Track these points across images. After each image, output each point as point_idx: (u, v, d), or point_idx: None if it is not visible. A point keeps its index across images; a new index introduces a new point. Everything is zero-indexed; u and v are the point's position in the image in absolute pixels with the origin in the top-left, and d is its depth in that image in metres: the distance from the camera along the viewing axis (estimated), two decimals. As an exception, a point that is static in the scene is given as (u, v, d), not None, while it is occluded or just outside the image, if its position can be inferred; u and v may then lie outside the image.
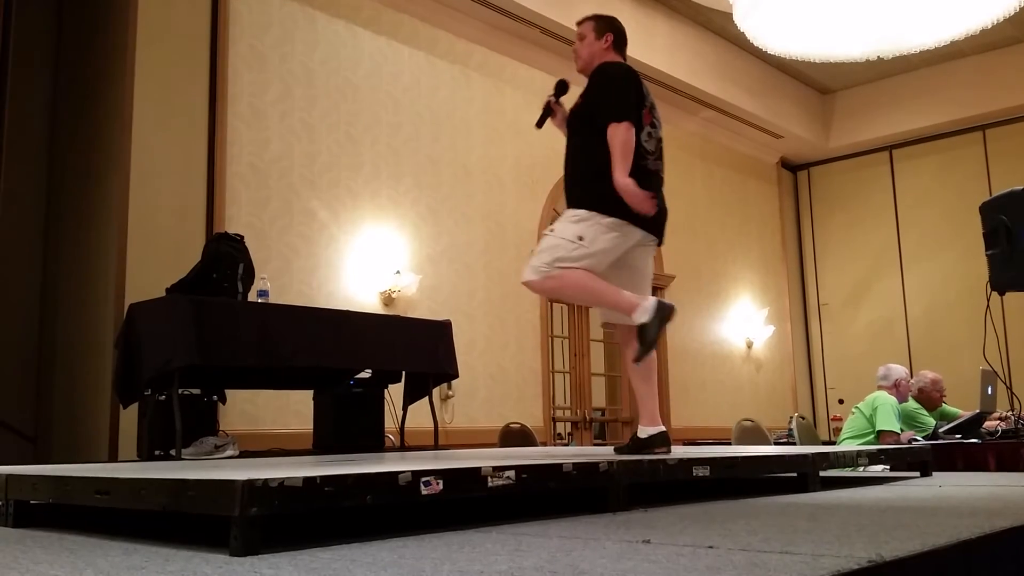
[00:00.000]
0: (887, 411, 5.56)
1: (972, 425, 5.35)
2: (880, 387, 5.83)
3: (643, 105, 3.30)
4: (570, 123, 3.47)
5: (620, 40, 3.55)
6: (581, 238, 3.15)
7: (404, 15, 6.95)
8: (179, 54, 5.68)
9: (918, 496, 2.73)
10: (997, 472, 4.62)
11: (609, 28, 3.53)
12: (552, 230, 3.26)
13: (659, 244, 3.40)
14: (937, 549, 1.51)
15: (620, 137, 3.20)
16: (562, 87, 3.65)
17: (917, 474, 3.72)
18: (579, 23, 3.62)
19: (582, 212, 3.20)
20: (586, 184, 3.27)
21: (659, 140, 3.37)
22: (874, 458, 3.59)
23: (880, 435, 5.52)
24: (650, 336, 3.11)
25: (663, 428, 3.28)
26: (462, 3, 7.13)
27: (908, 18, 6.96)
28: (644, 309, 3.10)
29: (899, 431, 5.52)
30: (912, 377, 6.09)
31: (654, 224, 3.28)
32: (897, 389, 5.80)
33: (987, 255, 4.40)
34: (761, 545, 1.60)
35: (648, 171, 3.26)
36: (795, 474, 3.05)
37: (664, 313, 3.10)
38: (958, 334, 9.21)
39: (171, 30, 5.67)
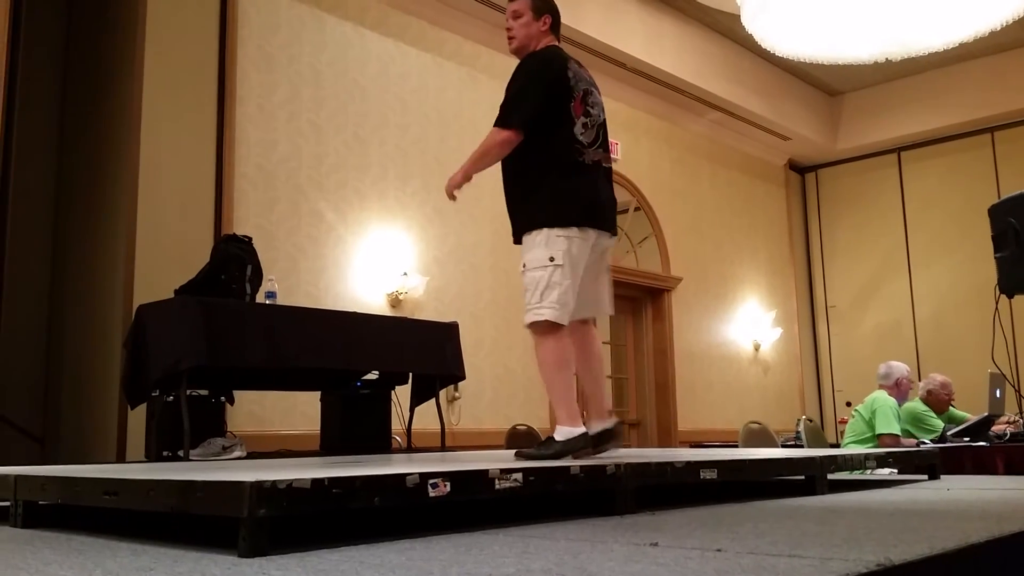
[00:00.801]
0: (885, 413, 5.51)
1: (980, 428, 5.33)
2: (881, 386, 5.77)
3: (571, 96, 3.13)
4: None
5: (557, 22, 3.35)
6: (552, 259, 3.03)
7: (412, 17, 6.96)
8: (188, 55, 5.70)
9: (926, 499, 2.72)
10: (1006, 475, 4.61)
11: (547, 8, 3.31)
12: (524, 266, 3.12)
13: (613, 235, 3.27)
14: (946, 553, 1.51)
15: (491, 141, 3.14)
16: None
17: (925, 477, 3.71)
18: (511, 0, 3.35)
19: (539, 234, 3.07)
20: (523, 202, 3.16)
21: (599, 127, 3.20)
22: (882, 461, 3.58)
23: (879, 438, 5.48)
24: (545, 453, 3.01)
25: (582, 429, 3.12)
26: (469, 5, 7.13)
27: (917, 20, 6.94)
28: (563, 432, 3.02)
29: (898, 433, 5.46)
30: (915, 377, 6.05)
31: (603, 219, 3.18)
32: (898, 388, 5.74)
33: (996, 258, 4.39)
34: (769, 548, 1.60)
35: (585, 166, 3.12)
36: (803, 477, 3.04)
37: (572, 450, 2.99)
38: (966, 337, 9.18)
39: (180, 31, 5.69)
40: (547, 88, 3.11)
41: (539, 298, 3.03)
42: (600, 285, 3.29)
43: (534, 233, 3.09)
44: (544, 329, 3.07)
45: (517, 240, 3.20)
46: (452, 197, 3.36)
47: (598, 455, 3.10)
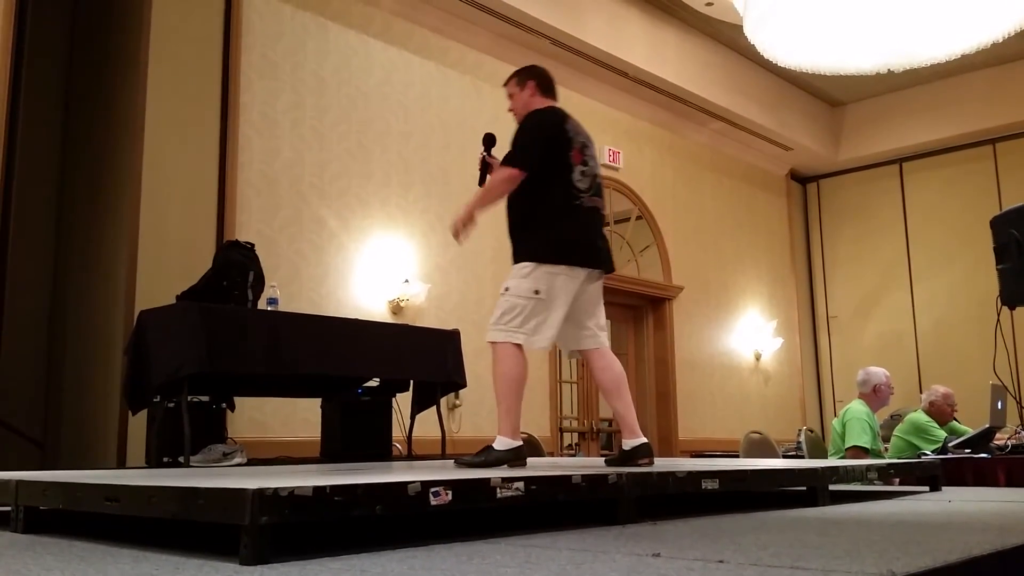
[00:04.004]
0: (854, 426, 5.46)
1: (982, 440, 5.32)
2: (860, 394, 5.73)
3: (571, 146, 3.41)
4: None
5: (543, 83, 3.62)
6: (537, 292, 3.27)
7: (415, 26, 6.97)
8: (191, 63, 5.71)
9: (928, 511, 2.72)
10: (1007, 487, 4.60)
11: (529, 76, 3.63)
12: (507, 289, 3.35)
13: (609, 272, 3.52)
14: (949, 565, 1.51)
15: (499, 177, 3.42)
16: (490, 140, 3.71)
17: (927, 488, 3.70)
18: (504, 85, 3.72)
19: (529, 265, 3.31)
20: (523, 236, 3.40)
21: (594, 177, 3.47)
22: (884, 473, 3.57)
23: (846, 451, 5.43)
24: (486, 460, 3.22)
25: (645, 440, 3.43)
26: (473, 14, 7.15)
27: (919, 31, 6.95)
28: (503, 443, 3.27)
29: (866, 446, 5.39)
30: (916, 386, 6.03)
31: (596, 260, 3.42)
32: (876, 394, 5.68)
33: (998, 269, 4.38)
34: (771, 560, 1.60)
35: (583, 208, 3.38)
36: (804, 488, 3.04)
37: (507, 460, 3.22)
38: (968, 348, 9.17)
39: (184, 39, 5.71)
40: (547, 136, 3.41)
41: (519, 323, 3.30)
42: (594, 319, 3.53)
43: (527, 264, 3.33)
44: (510, 348, 3.33)
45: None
46: (459, 238, 3.56)
47: (634, 466, 3.26)
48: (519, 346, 3.33)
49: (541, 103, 3.56)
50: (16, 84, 5.10)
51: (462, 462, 3.33)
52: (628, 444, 3.44)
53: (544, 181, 3.36)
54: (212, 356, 4.13)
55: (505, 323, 3.32)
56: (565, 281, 3.31)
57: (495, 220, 7.36)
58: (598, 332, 3.54)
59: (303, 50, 6.25)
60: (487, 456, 3.25)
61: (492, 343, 3.38)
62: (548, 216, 3.34)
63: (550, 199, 3.35)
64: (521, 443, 3.31)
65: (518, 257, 3.38)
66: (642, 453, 3.39)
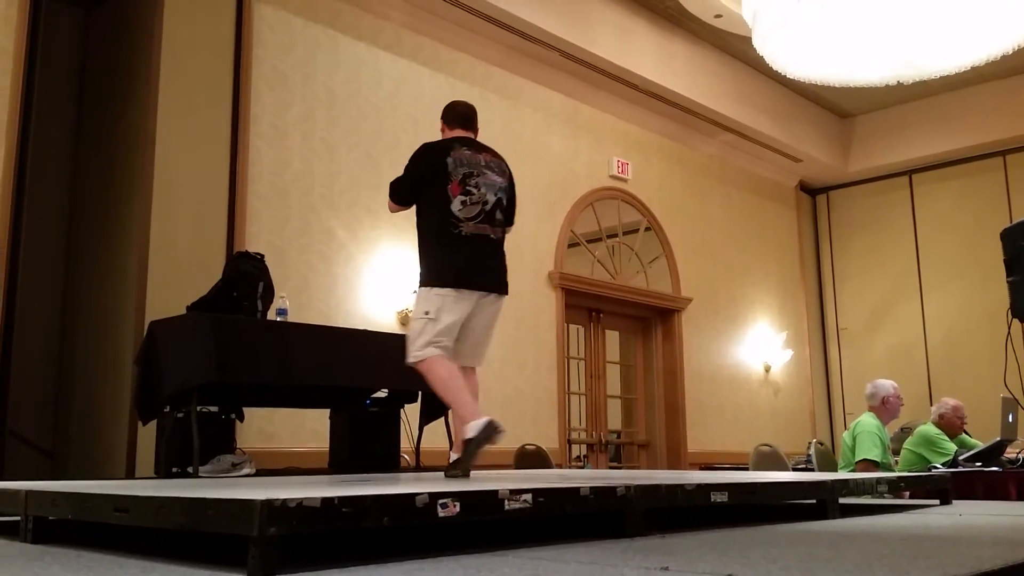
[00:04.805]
0: (864, 439, 5.43)
1: (992, 453, 5.28)
2: (869, 407, 5.71)
3: (449, 179, 3.69)
4: None
5: (449, 116, 4.03)
6: (427, 312, 3.64)
7: (425, 38, 7.00)
8: (203, 74, 5.75)
9: (938, 525, 2.70)
10: (1018, 501, 4.56)
11: (443, 112, 4.07)
12: (412, 315, 3.78)
13: (501, 294, 3.87)
14: (959, 580, 1.50)
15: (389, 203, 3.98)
16: None
17: (937, 502, 3.68)
18: None
19: (422, 290, 3.71)
20: (420, 262, 3.76)
21: (483, 205, 3.73)
22: (894, 486, 3.55)
23: (856, 464, 5.40)
24: (471, 450, 3.47)
25: (487, 418, 3.67)
26: (482, 26, 7.18)
27: (928, 43, 6.94)
28: (474, 427, 3.48)
29: (876, 459, 5.37)
30: (927, 399, 6.00)
31: (479, 282, 3.74)
32: (885, 407, 5.65)
33: (1008, 282, 4.37)
34: (781, 573, 1.59)
35: (462, 236, 3.68)
36: (814, 501, 3.02)
37: (488, 433, 3.46)
38: (978, 361, 9.13)
39: (195, 50, 5.74)
40: (418, 172, 3.80)
41: (418, 345, 3.64)
42: (481, 338, 3.88)
43: (421, 289, 3.72)
44: (425, 363, 3.66)
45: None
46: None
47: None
48: (436, 354, 3.65)
49: (448, 135, 3.95)
50: (28, 96, 5.14)
51: (451, 473, 3.53)
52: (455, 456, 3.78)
53: (426, 212, 3.76)
54: (222, 367, 4.14)
55: (414, 348, 3.66)
56: (453, 301, 3.66)
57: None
58: (482, 356, 3.94)
59: (313, 62, 6.28)
60: (468, 447, 3.47)
61: (412, 365, 3.71)
62: (432, 243, 3.72)
63: (432, 228, 3.71)
64: (488, 418, 3.53)
65: (419, 282, 3.77)
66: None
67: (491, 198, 3.78)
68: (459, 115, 4.01)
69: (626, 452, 8.71)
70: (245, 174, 5.76)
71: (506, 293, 3.89)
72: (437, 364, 3.63)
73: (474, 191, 3.72)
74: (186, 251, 5.44)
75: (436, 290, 3.66)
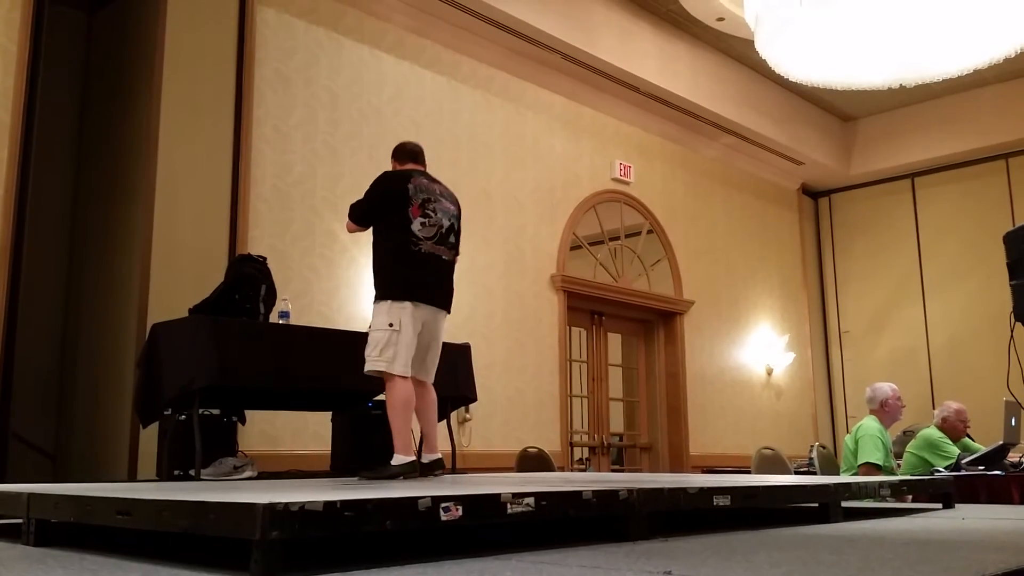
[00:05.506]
0: (866, 442, 5.42)
1: (995, 457, 5.27)
2: (870, 411, 5.70)
3: (410, 203, 4.03)
4: None
5: (399, 154, 4.38)
6: (391, 324, 3.91)
7: (427, 40, 7.01)
8: (205, 77, 5.75)
9: (941, 529, 2.69)
10: (1021, 505, 4.56)
11: (393, 152, 4.41)
12: (371, 326, 4.00)
13: (446, 311, 4.23)
14: (963, 585, 1.50)
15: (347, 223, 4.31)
16: None
17: (940, 506, 3.67)
18: None
19: (382, 303, 3.97)
20: (377, 279, 4.05)
21: (439, 228, 4.10)
22: (896, 490, 3.55)
23: (859, 468, 5.39)
24: (382, 474, 3.85)
25: (439, 455, 4.25)
26: (484, 29, 7.18)
27: (931, 46, 6.93)
28: (398, 459, 3.92)
29: (879, 463, 5.35)
30: (929, 401, 5.99)
31: (431, 297, 4.08)
32: (885, 409, 5.64)
33: (1011, 285, 4.35)
34: (783, 578, 1.59)
35: (421, 254, 4.02)
36: (817, 504, 3.02)
37: (407, 473, 3.88)
38: (981, 364, 9.11)
39: (198, 53, 5.75)
40: (381, 194, 4.11)
41: (378, 353, 3.91)
42: (430, 354, 4.19)
43: (380, 303, 3.98)
44: (395, 380, 3.93)
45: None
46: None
47: (429, 477, 4.08)
48: (404, 377, 3.94)
49: (394, 168, 4.30)
50: (31, 98, 5.14)
51: (365, 476, 3.91)
52: (427, 458, 4.20)
53: (385, 231, 4.05)
54: (224, 369, 4.14)
55: (375, 356, 3.92)
56: (411, 314, 3.94)
57: (505, 235, 7.39)
58: (432, 367, 4.24)
59: (316, 65, 6.29)
60: (385, 471, 3.86)
61: (375, 374, 3.97)
62: (391, 260, 4.01)
63: (392, 245, 4.01)
64: (414, 458, 3.98)
65: (376, 297, 4.02)
66: (436, 466, 4.19)
67: (445, 223, 4.15)
68: (409, 152, 4.37)
69: (628, 455, 8.70)
70: (248, 177, 5.77)
71: (450, 312, 4.26)
72: (399, 387, 3.91)
73: (432, 215, 4.07)
74: (189, 254, 5.45)
75: (396, 303, 3.93)
